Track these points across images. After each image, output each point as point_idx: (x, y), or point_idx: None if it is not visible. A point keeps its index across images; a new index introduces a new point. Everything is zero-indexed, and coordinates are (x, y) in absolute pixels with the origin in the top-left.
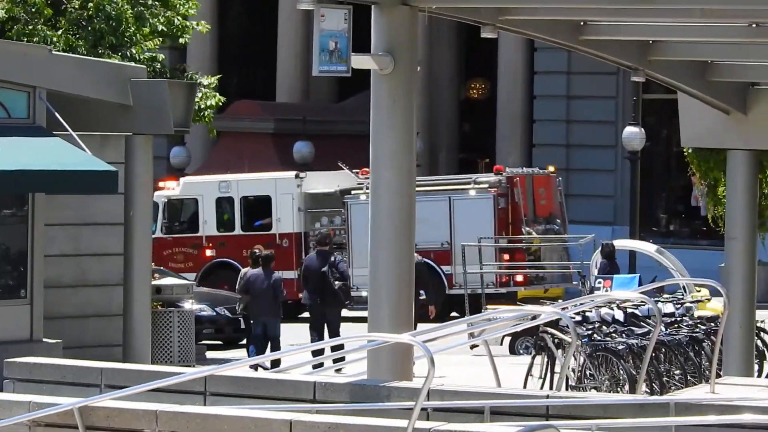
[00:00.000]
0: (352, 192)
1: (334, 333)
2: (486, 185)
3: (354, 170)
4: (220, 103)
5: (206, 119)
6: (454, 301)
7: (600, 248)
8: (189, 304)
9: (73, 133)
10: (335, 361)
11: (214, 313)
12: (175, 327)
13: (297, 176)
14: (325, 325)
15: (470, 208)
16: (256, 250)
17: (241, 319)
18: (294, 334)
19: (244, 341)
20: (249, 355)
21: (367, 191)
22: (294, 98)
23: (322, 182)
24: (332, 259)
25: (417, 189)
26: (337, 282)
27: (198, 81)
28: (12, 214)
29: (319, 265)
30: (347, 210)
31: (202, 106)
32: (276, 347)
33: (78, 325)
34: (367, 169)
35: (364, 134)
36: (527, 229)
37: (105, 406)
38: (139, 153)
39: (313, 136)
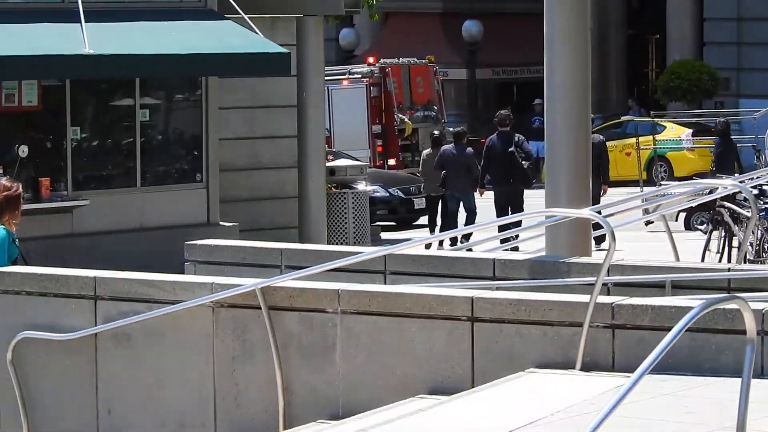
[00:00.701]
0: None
1: (519, 211)
2: (359, 75)
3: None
4: None
5: (369, 1)
6: None
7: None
8: (363, 185)
9: (245, 16)
10: (513, 238)
11: (388, 194)
12: (350, 208)
13: None
14: (510, 203)
15: (345, 97)
16: (435, 132)
17: (429, 197)
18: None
19: (422, 220)
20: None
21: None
22: None
23: None
24: (516, 139)
25: None
26: (524, 162)
27: None
28: (185, 98)
29: (504, 146)
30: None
31: None
32: (472, 220)
33: (253, 208)
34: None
35: (533, 12)
36: (400, 116)
37: (287, 286)
38: (310, 35)
39: (481, 15)
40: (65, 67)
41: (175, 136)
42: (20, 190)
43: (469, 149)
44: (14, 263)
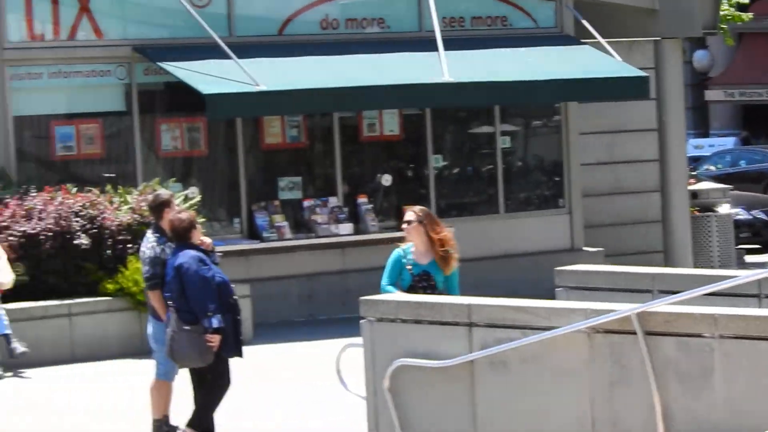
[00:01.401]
0: None
1: None
2: None
3: None
4: (744, 20)
5: (721, 27)
6: None
7: None
8: (726, 208)
9: (602, 40)
10: None
11: (750, 217)
12: (713, 231)
13: None
14: None
15: None
16: None
17: None
18: None
19: None
20: None
21: None
22: None
23: None
24: None
25: None
26: None
27: None
28: (544, 124)
29: None
30: None
31: (727, 15)
32: None
33: (615, 233)
34: None
35: None
36: None
37: (662, 311)
38: (668, 57)
39: None
40: (425, 96)
41: (536, 162)
42: (407, 218)
43: None
44: (410, 290)
